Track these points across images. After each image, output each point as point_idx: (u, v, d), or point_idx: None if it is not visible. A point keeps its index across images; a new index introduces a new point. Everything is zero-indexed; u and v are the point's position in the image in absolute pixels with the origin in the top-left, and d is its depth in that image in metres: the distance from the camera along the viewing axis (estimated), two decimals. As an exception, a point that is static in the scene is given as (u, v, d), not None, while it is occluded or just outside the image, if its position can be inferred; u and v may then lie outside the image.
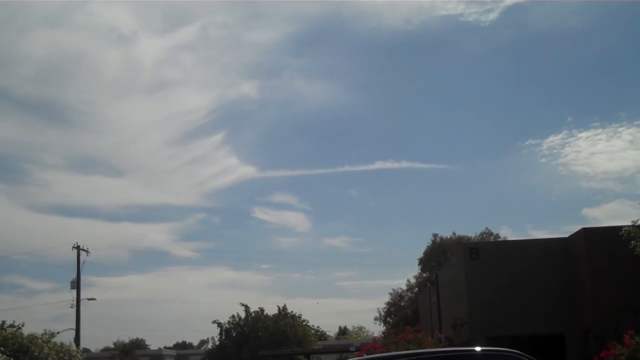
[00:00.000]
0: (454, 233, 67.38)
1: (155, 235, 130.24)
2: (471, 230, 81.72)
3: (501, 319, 23.76)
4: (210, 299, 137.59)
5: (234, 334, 55.87)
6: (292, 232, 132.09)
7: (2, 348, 32.14)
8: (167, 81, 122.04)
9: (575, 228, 24.26)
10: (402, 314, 65.64)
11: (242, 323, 55.94)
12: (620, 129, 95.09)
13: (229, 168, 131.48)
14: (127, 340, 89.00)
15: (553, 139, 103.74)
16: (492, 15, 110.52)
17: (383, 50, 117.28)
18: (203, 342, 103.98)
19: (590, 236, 23.00)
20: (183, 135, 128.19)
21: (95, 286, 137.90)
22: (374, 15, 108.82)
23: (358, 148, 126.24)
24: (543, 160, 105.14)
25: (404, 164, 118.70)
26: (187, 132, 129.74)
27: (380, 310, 74.48)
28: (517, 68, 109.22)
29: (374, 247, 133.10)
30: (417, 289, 65.88)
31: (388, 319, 70.89)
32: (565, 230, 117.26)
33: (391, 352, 18.13)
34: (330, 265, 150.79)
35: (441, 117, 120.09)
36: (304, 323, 57.86)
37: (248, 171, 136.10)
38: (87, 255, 57.27)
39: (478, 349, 13.03)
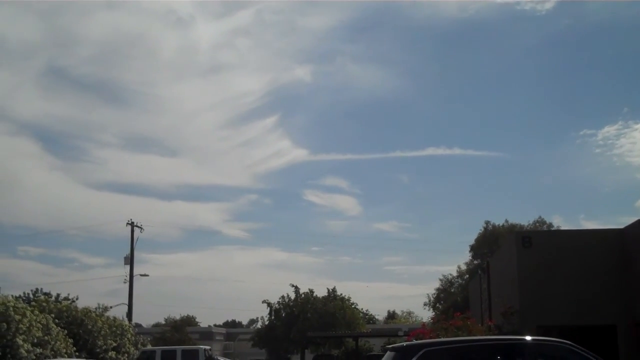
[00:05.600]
0: (506, 221, 66.95)
1: (207, 214, 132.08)
2: (523, 218, 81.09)
3: (552, 309, 23.46)
4: (260, 279, 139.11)
5: (283, 315, 56.23)
6: (342, 216, 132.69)
7: (57, 320, 32.95)
8: (222, 64, 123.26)
9: (629, 220, 23.86)
10: (451, 300, 65.42)
11: (291, 304, 56.26)
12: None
13: (281, 151, 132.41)
14: (177, 317, 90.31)
15: (608, 130, 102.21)
16: (548, 5, 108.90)
17: (437, 37, 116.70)
18: (252, 322, 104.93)
19: (647, 228, 22.51)
20: (236, 117, 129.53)
21: (147, 263, 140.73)
22: (429, 2, 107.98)
23: (409, 134, 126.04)
24: (597, 150, 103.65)
25: (456, 151, 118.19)
26: (241, 114, 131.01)
27: (430, 295, 74.37)
28: (572, 58, 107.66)
29: (423, 232, 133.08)
30: (467, 275, 65.55)
31: (437, 305, 70.75)
32: (618, 221, 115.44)
33: (441, 338, 18.09)
34: (379, 249, 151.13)
35: (495, 105, 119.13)
36: (353, 306, 57.97)
37: (300, 154, 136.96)
38: (141, 232, 58.27)
39: (529, 338, 12.90)
